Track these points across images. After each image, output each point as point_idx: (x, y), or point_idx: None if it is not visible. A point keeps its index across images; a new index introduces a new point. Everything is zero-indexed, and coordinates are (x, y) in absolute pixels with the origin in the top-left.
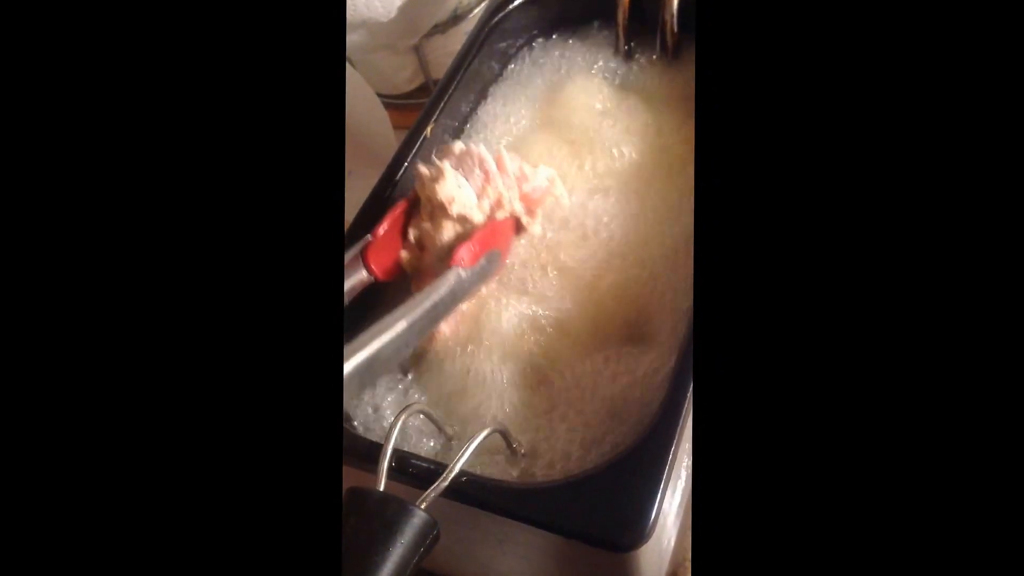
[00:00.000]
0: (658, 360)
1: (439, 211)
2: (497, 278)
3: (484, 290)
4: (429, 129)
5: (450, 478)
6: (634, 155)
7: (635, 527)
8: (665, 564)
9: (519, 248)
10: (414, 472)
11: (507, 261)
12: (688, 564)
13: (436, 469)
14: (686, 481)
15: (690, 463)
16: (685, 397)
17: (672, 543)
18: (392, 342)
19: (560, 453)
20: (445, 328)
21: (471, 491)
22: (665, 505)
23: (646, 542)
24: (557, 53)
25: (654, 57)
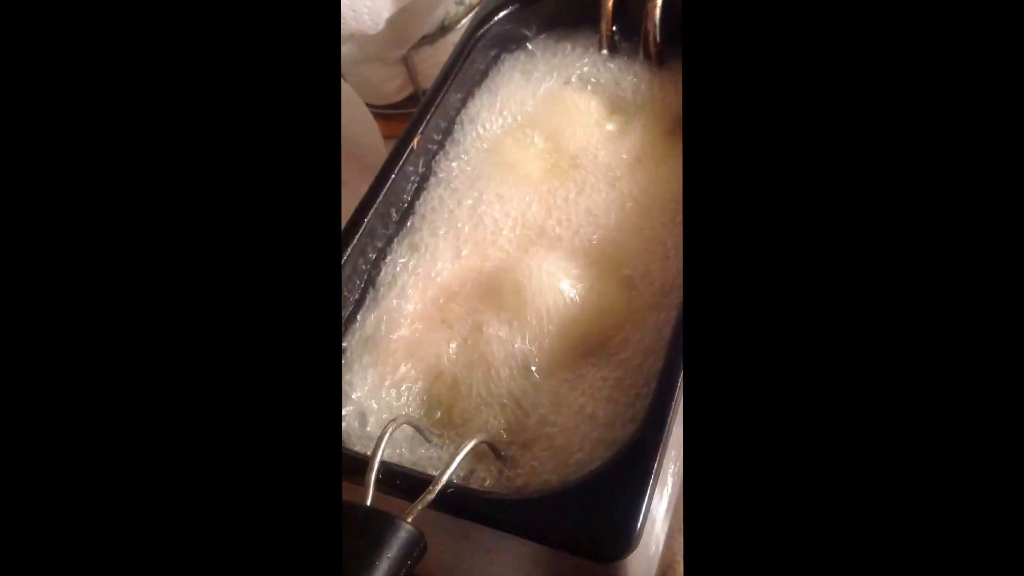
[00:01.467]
0: (643, 367)
1: None
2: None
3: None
4: (416, 140)
5: (437, 490)
6: (619, 162)
7: (622, 536)
8: (654, 569)
9: (509, 249)
10: (401, 484)
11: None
12: (676, 566)
13: (424, 481)
14: (673, 486)
15: (676, 469)
16: (670, 405)
17: (660, 547)
18: None
19: (546, 462)
20: None
21: (459, 503)
22: (652, 512)
23: (633, 550)
24: (543, 60)
25: (638, 65)
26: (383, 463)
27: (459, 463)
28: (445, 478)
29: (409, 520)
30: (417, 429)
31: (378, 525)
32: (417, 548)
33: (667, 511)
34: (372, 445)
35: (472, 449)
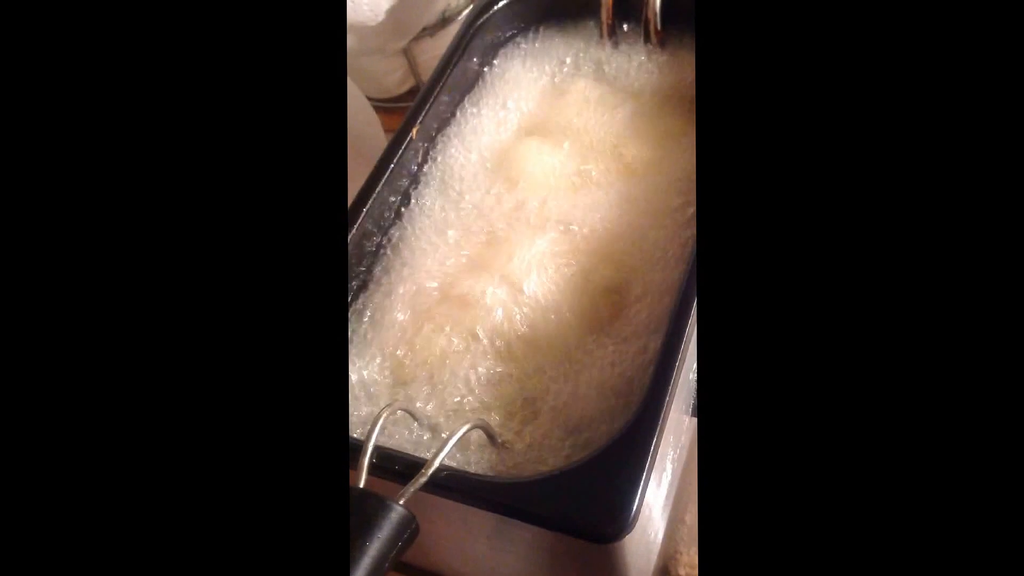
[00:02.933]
0: (641, 349)
1: None
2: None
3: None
4: (415, 131)
5: (429, 473)
6: (620, 149)
7: (618, 518)
8: (654, 557)
9: (506, 238)
10: (397, 468)
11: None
12: (679, 556)
13: (419, 464)
14: (672, 474)
15: (675, 455)
16: (666, 390)
17: (660, 536)
18: None
19: (542, 445)
20: None
21: (456, 486)
22: (649, 497)
23: (629, 532)
24: (543, 49)
25: (639, 52)
26: (378, 448)
27: (452, 446)
28: (438, 461)
29: (401, 502)
30: (411, 415)
31: (370, 507)
32: (409, 529)
33: (667, 499)
34: (366, 429)
35: (466, 433)
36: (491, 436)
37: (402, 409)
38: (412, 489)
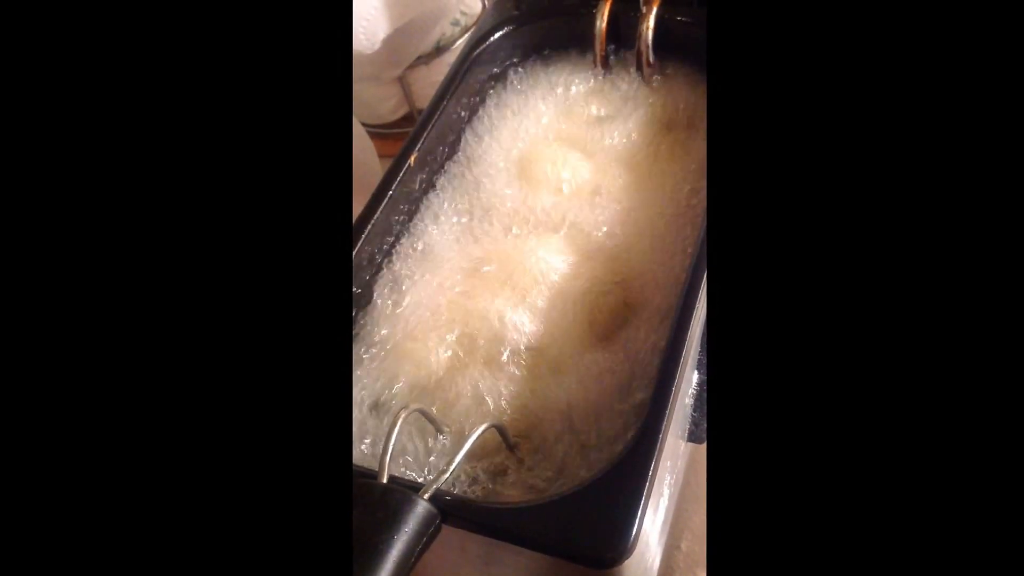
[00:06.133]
0: (641, 370)
1: None
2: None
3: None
4: (413, 158)
5: (451, 470)
6: (620, 170)
7: (617, 543)
8: None
9: (511, 250)
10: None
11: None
12: None
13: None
14: (668, 499)
15: (672, 480)
16: (663, 417)
17: (657, 562)
18: None
19: (549, 459)
20: None
21: (455, 512)
22: (647, 522)
23: (628, 558)
24: (538, 78)
25: (632, 81)
26: (392, 478)
27: (472, 443)
28: (459, 457)
29: (426, 497)
30: (428, 417)
31: (395, 501)
32: (433, 525)
33: (664, 524)
34: (380, 443)
35: (484, 432)
36: (506, 437)
37: (419, 411)
38: (435, 486)
